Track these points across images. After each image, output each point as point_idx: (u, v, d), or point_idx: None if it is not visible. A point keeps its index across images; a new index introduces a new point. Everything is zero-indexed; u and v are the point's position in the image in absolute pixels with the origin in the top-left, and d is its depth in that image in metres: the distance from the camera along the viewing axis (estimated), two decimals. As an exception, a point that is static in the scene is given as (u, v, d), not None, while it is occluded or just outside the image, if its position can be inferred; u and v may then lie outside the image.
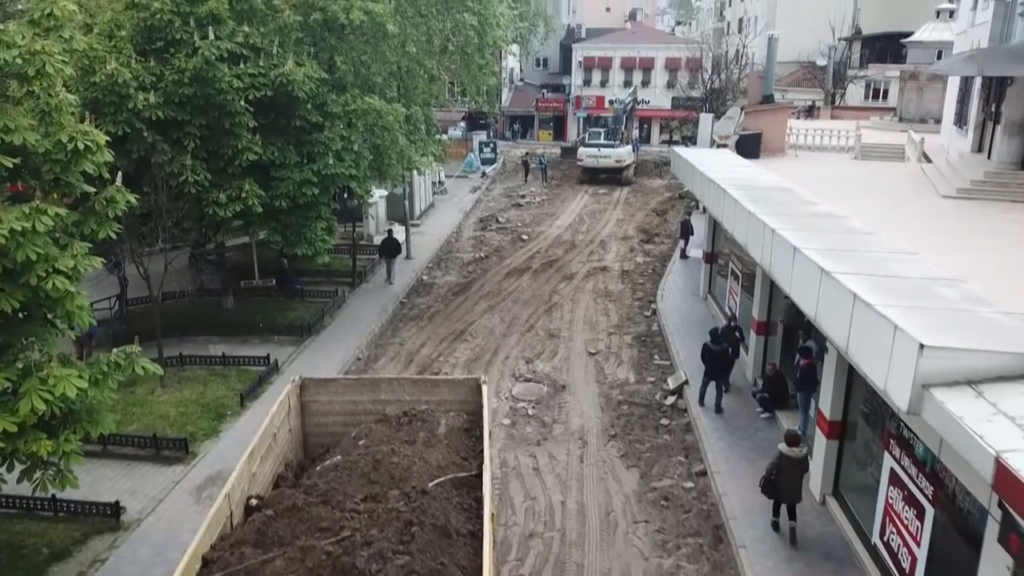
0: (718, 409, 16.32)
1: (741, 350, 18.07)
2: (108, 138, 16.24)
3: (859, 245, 10.97)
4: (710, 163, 19.69)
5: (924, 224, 16.26)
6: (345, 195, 25.31)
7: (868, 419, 11.64)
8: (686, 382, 17.75)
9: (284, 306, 22.95)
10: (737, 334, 17.56)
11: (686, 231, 29.12)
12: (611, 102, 59.87)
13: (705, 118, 28.47)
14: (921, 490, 9.44)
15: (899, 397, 7.19)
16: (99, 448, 14.24)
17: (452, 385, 11.10)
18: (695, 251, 28.28)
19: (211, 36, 16.83)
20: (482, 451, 9.22)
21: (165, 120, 17.00)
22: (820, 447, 12.66)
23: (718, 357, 16.30)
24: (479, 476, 8.67)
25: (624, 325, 22.53)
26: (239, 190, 17.63)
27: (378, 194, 29.06)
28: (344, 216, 27.12)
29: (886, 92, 58.61)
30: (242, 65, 17.75)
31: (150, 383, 17.17)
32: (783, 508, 12.13)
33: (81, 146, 9.50)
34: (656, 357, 20.15)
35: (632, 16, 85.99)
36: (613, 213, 37.94)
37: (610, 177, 45.04)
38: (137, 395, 16.63)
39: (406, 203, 28.73)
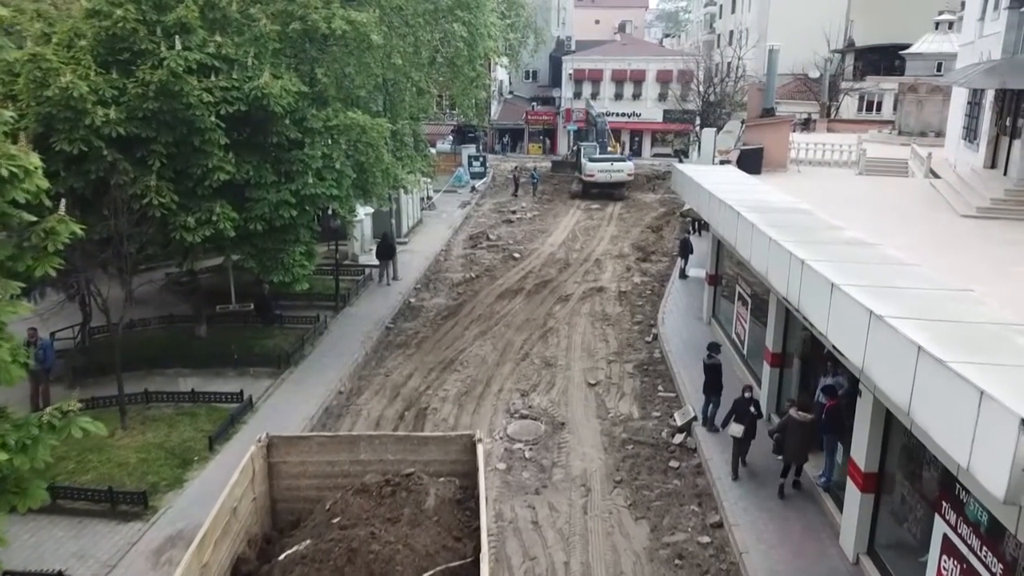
0: (711, 426, 15.94)
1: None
2: (64, 158, 15.39)
3: (903, 279, 9.71)
4: (716, 181, 18.46)
5: (950, 248, 15.06)
6: (330, 212, 24.02)
7: (911, 472, 10.35)
8: (695, 418, 16.44)
9: (262, 333, 21.47)
10: (753, 408, 14.22)
11: (685, 250, 27.93)
12: (594, 114, 58.89)
13: (707, 133, 27.30)
14: (987, 567, 8.14)
15: (991, 482, 5.90)
16: (48, 503, 12.71)
17: (442, 443, 9.73)
18: (695, 271, 27.06)
19: (177, 46, 15.45)
20: (478, 527, 7.85)
21: (128, 137, 15.58)
22: (853, 501, 11.36)
23: (709, 371, 15.98)
24: (476, 563, 7.30)
25: (624, 352, 21.21)
26: (209, 213, 16.21)
27: (363, 212, 27.71)
28: (327, 235, 25.75)
29: (880, 104, 58.02)
30: (213, 77, 16.39)
31: (109, 426, 15.62)
32: (791, 473, 13.48)
33: (5, 172, 8.07)
34: (660, 388, 18.84)
35: (621, 28, 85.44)
36: (607, 229, 36.73)
37: (603, 192, 43.89)
38: (93, 440, 15.05)
39: (392, 221, 27.34)
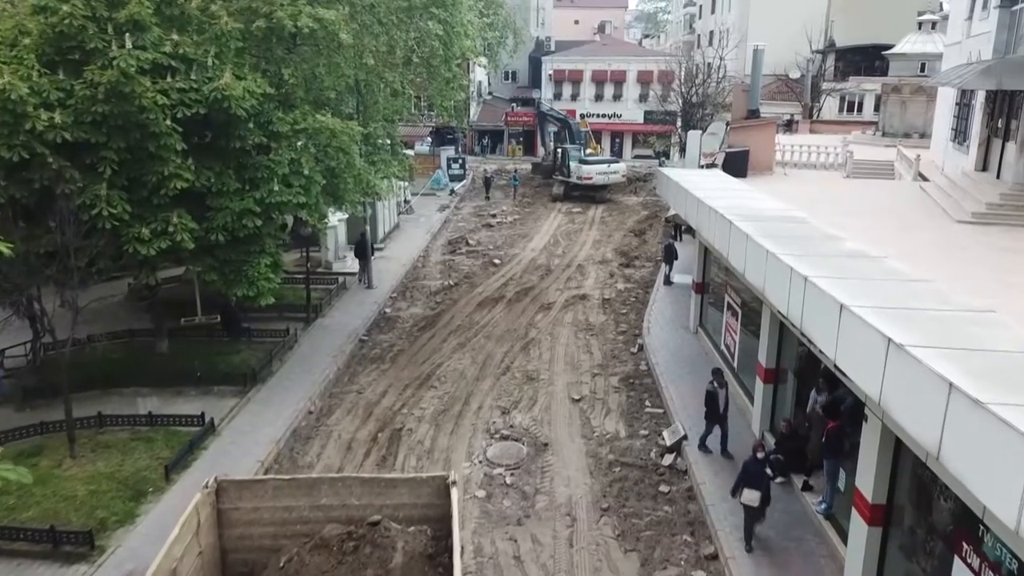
0: (704, 447, 15.15)
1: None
2: (5, 165, 14.19)
3: (917, 299, 8.90)
4: (704, 187, 17.64)
5: (951, 257, 14.36)
6: (300, 219, 22.97)
7: (924, 504, 9.55)
8: (684, 437, 15.59)
9: (228, 348, 20.34)
10: (769, 470, 12.47)
11: (670, 255, 27.14)
12: (582, 116, 58.16)
13: (693, 135, 26.51)
14: (1017, 621, 7.33)
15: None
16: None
17: (413, 486, 8.76)
18: (680, 277, 26.30)
19: (128, 44, 14.33)
20: (452, 587, 6.91)
21: (76, 143, 14.44)
22: (859, 534, 10.54)
23: (708, 399, 14.92)
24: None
25: (609, 364, 20.34)
26: (166, 223, 15.08)
27: (336, 218, 26.63)
28: (298, 242, 24.68)
29: (861, 105, 57.83)
30: (170, 78, 15.28)
31: (57, 454, 14.57)
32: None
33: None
34: (647, 403, 17.98)
35: (601, 29, 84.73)
36: (589, 234, 35.90)
37: (585, 195, 43.09)
38: (40, 470, 13.93)
39: (367, 228, 26.26)
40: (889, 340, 7.37)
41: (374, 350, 21.27)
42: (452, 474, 9.04)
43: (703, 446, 15.08)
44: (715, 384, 14.93)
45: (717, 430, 14.96)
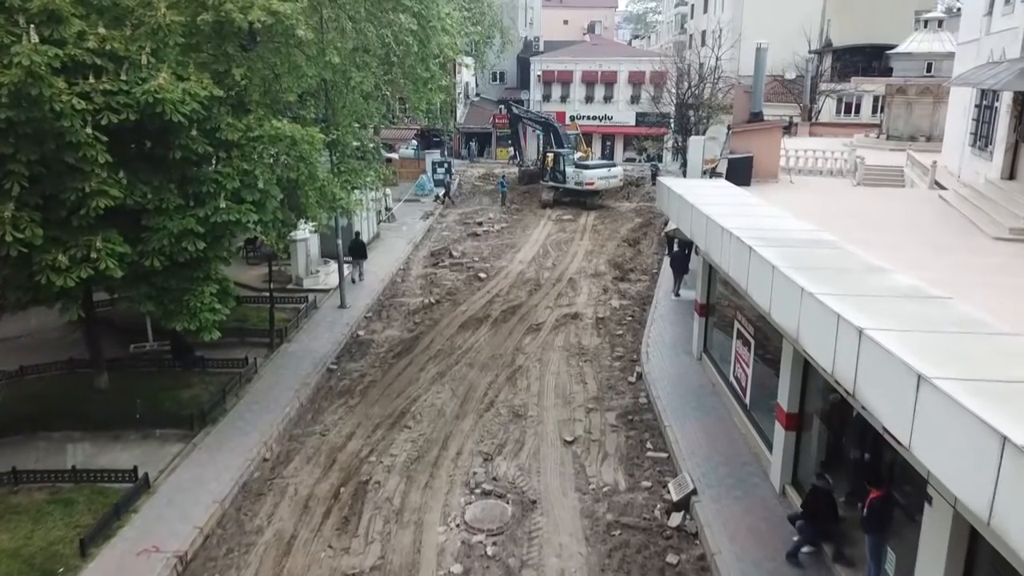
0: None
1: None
2: None
3: (1013, 365, 6.84)
4: (713, 203, 15.59)
5: (1003, 287, 12.32)
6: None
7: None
8: (693, 491, 13.53)
9: (178, 381, 18.17)
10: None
11: (679, 265, 25.05)
12: (572, 118, 56.19)
13: (695, 141, 24.49)
14: None
15: None
16: None
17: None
18: (685, 292, 24.33)
19: (34, 38, 12.11)
20: None
21: (-25, 155, 12.27)
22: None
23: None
24: None
25: (605, 396, 18.27)
26: (87, 248, 12.90)
27: (309, 228, 24.40)
28: (262, 256, 22.51)
29: (859, 106, 56.12)
30: (93, 79, 13.10)
31: (-47, 524, 12.34)
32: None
33: None
34: (649, 445, 15.92)
35: (591, 29, 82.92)
36: (580, 244, 33.83)
37: (575, 200, 41.07)
38: (-69, 546, 11.73)
39: (339, 242, 24.08)
40: (1005, 439, 5.31)
41: (343, 381, 19.10)
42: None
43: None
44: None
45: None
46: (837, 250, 11.46)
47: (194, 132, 14.39)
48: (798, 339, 9.41)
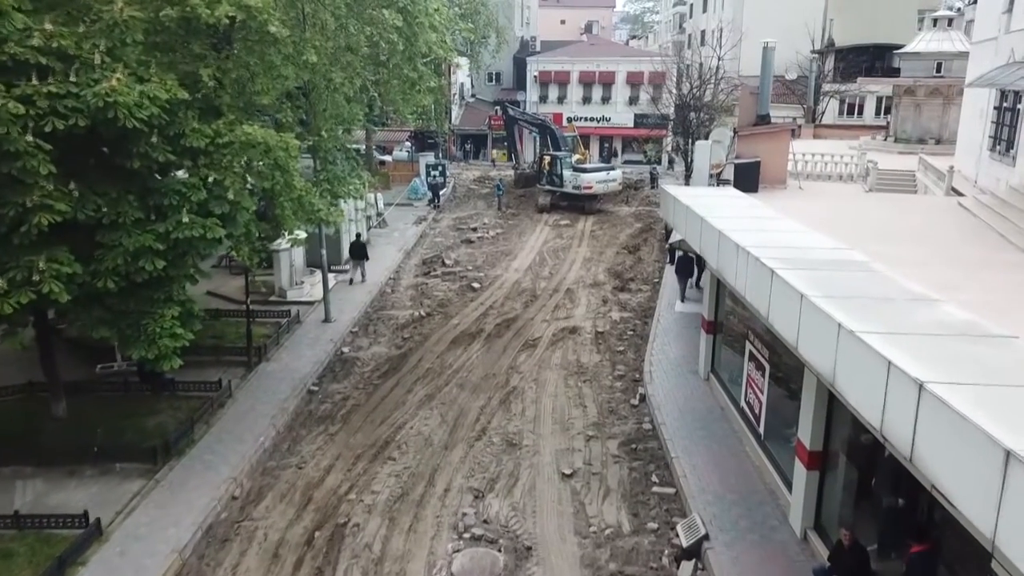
0: None
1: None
2: None
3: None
4: (724, 214, 14.29)
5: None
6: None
7: None
8: (705, 536, 12.22)
9: (145, 407, 16.80)
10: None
11: (684, 269, 23.81)
12: (569, 119, 54.89)
13: (701, 146, 23.17)
14: None
15: None
16: None
17: None
18: (690, 305, 23.08)
19: (-39, 34, 10.80)
20: None
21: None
22: None
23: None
24: None
25: (606, 422, 16.96)
26: (29, 270, 11.55)
27: (281, 243, 22.95)
28: (239, 267, 21.11)
29: (862, 108, 54.93)
30: (36, 80, 11.75)
31: None
32: None
33: None
34: (655, 478, 14.60)
35: (588, 29, 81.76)
36: (578, 250, 32.53)
37: (573, 205, 39.77)
38: None
39: (323, 252, 22.72)
40: None
41: (324, 405, 17.75)
42: None
43: None
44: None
45: None
46: (872, 273, 10.16)
47: (155, 139, 13.04)
48: (834, 383, 8.10)
